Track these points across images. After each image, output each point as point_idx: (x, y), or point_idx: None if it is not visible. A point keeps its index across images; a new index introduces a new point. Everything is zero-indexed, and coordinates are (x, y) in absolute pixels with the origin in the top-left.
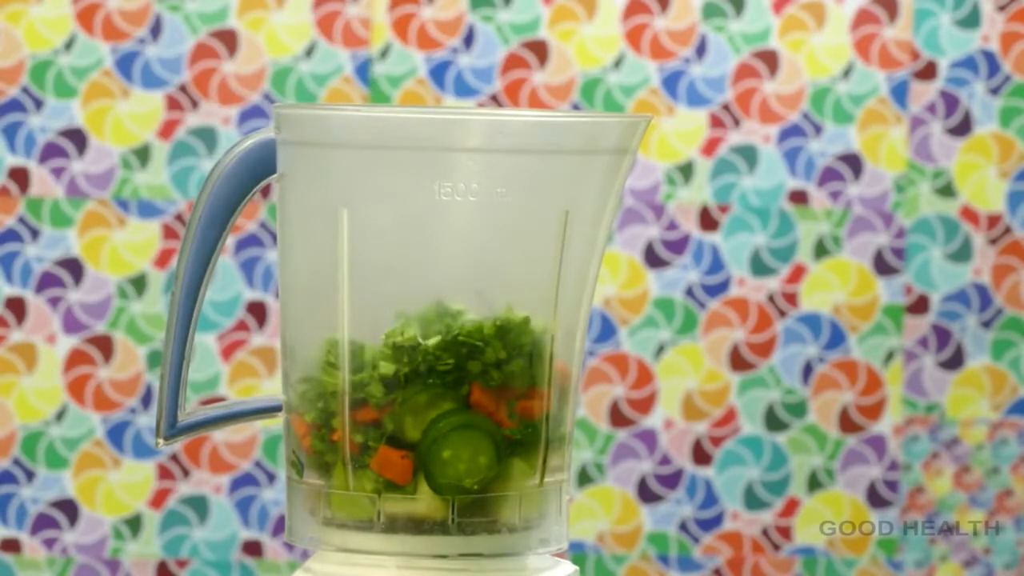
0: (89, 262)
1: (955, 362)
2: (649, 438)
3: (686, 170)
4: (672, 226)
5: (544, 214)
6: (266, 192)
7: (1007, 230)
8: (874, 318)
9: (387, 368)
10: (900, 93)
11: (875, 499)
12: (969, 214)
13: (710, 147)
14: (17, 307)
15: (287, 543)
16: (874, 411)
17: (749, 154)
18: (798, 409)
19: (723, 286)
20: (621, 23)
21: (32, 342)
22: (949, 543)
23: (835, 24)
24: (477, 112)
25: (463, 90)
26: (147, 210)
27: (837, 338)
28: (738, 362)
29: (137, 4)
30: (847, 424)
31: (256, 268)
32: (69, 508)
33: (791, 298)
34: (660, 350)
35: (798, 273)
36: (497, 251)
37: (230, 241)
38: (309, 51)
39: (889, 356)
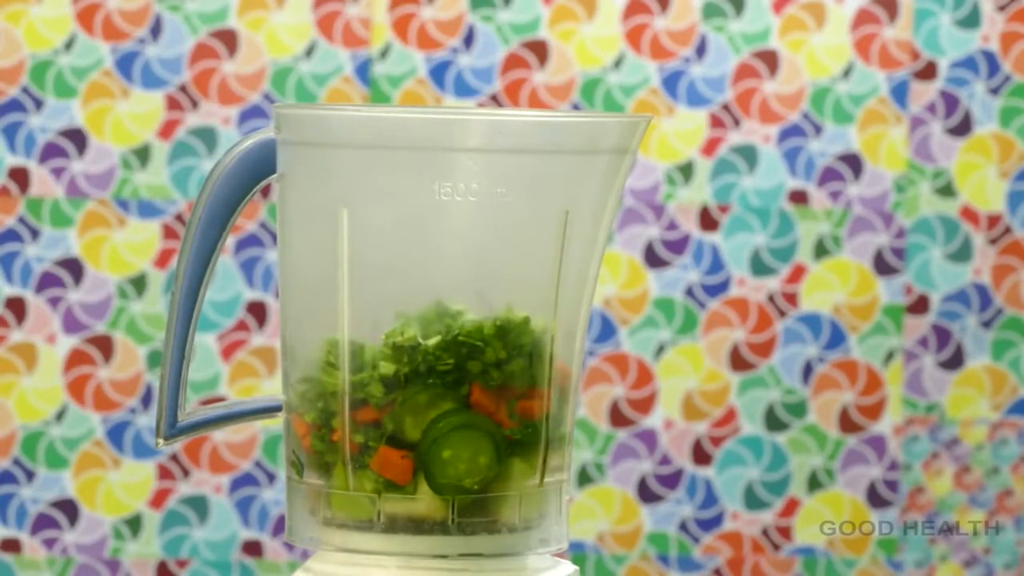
0: (89, 262)
1: (955, 362)
2: (649, 438)
3: (686, 170)
4: (672, 226)
5: (544, 214)
6: (266, 192)
7: (1007, 230)
8: (874, 318)
9: (387, 368)
10: (900, 93)
11: (875, 499)
12: (969, 214)
13: (710, 147)
14: (17, 307)
15: (287, 543)
16: (874, 411)
17: (749, 154)
18: (798, 409)
19: (723, 286)
20: (621, 23)
21: (32, 342)
22: (949, 543)
23: (835, 24)
24: (477, 112)
25: (463, 90)
26: (147, 210)
27: (837, 338)
28: (738, 362)
29: (137, 4)
30: (847, 424)
31: (256, 268)
32: (69, 508)
33: (791, 298)
34: (660, 350)
35: (798, 273)
36: (497, 251)
37: (230, 241)
38: (309, 51)
39: (889, 356)
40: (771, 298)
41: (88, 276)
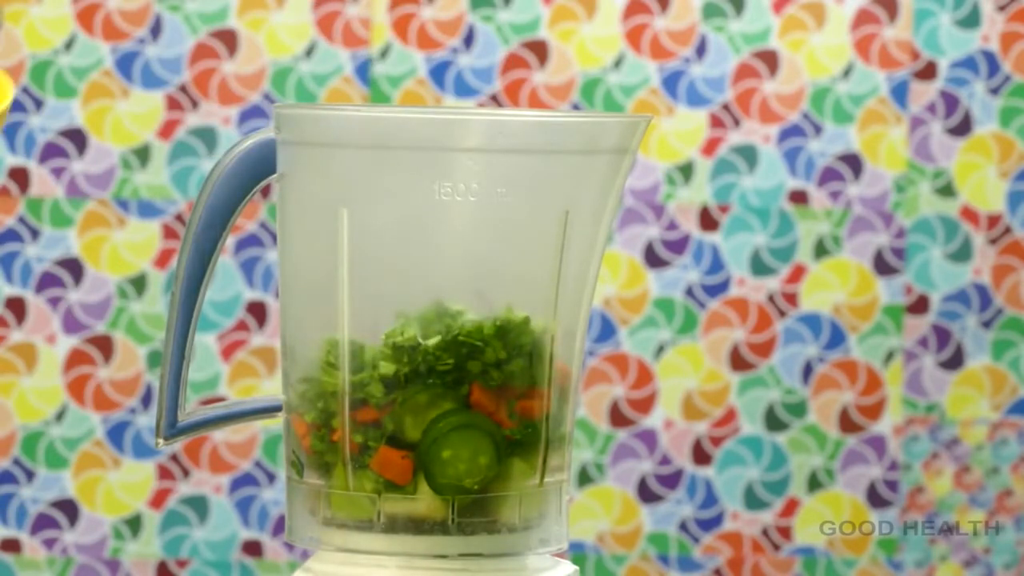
0: (89, 262)
1: (955, 362)
2: (649, 438)
3: (686, 170)
4: (672, 226)
5: (544, 214)
6: (266, 192)
7: (1007, 230)
8: (874, 318)
9: (387, 368)
10: (900, 93)
11: (875, 499)
12: (969, 214)
13: (710, 147)
14: (17, 307)
15: (287, 543)
16: (874, 411)
17: (749, 154)
18: (798, 409)
19: (723, 286)
20: (621, 23)
21: (32, 342)
22: (949, 543)
23: (835, 24)
24: (477, 112)
25: (463, 90)
26: (147, 210)
27: (837, 338)
28: (738, 362)
29: (137, 4)
30: (847, 424)
31: (256, 268)
32: (69, 508)
33: (791, 298)
34: (660, 350)
35: (798, 273)
36: (497, 251)
37: (230, 241)
38: (309, 51)
39: (889, 356)
40: (771, 298)
41: (88, 276)
